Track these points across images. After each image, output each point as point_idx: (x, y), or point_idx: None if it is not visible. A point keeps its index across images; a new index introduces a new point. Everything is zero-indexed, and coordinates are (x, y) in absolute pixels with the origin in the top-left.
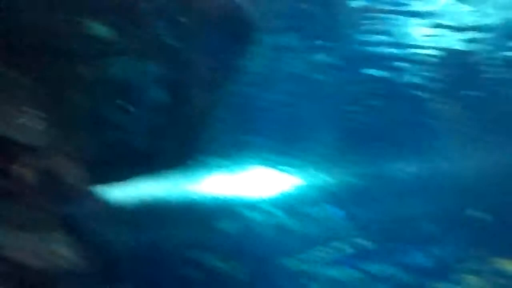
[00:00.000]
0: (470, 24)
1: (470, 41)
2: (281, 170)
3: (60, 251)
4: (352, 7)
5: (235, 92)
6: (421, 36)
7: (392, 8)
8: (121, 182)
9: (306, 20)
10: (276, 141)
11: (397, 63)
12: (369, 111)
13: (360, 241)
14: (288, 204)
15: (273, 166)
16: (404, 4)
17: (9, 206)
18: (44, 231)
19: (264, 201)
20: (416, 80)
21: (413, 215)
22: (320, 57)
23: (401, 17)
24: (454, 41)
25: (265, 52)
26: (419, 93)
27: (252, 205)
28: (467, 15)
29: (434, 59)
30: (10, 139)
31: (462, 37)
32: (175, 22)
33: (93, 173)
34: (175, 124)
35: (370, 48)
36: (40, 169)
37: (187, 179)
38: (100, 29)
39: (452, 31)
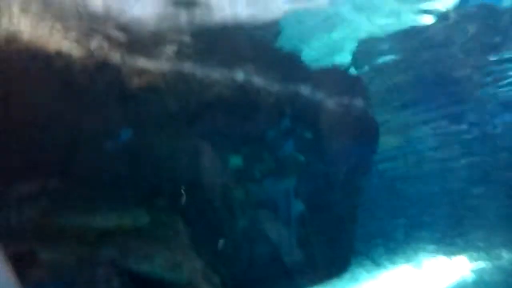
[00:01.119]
0: None
1: None
2: (453, 258)
3: None
4: None
5: (377, 187)
6: None
7: None
8: None
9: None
10: (441, 228)
11: None
12: None
13: None
14: None
15: (445, 255)
16: None
17: None
18: None
19: None
20: None
21: None
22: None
23: None
24: None
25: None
26: None
27: None
28: None
29: None
30: (157, 277)
31: None
32: (302, 138)
33: None
34: (322, 233)
35: None
36: None
37: (349, 285)
38: (236, 160)
39: None
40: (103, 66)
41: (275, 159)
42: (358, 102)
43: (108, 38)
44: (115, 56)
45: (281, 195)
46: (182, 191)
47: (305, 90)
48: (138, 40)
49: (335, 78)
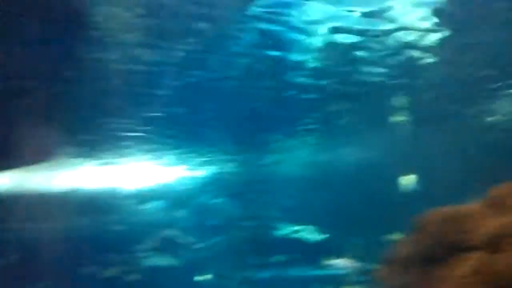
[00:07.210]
0: None
1: None
2: (165, 162)
3: None
4: None
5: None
6: None
7: None
8: None
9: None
10: (160, 134)
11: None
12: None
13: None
14: (175, 196)
15: (157, 159)
16: None
17: None
18: None
19: (146, 192)
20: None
21: None
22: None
23: None
24: None
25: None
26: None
27: (133, 197)
28: None
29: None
30: None
31: None
32: None
33: None
34: (22, 118)
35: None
36: None
37: (47, 174)
38: None
39: None
40: None
41: None
42: None
43: None
44: None
45: None
46: None
47: None
48: None
49: None
